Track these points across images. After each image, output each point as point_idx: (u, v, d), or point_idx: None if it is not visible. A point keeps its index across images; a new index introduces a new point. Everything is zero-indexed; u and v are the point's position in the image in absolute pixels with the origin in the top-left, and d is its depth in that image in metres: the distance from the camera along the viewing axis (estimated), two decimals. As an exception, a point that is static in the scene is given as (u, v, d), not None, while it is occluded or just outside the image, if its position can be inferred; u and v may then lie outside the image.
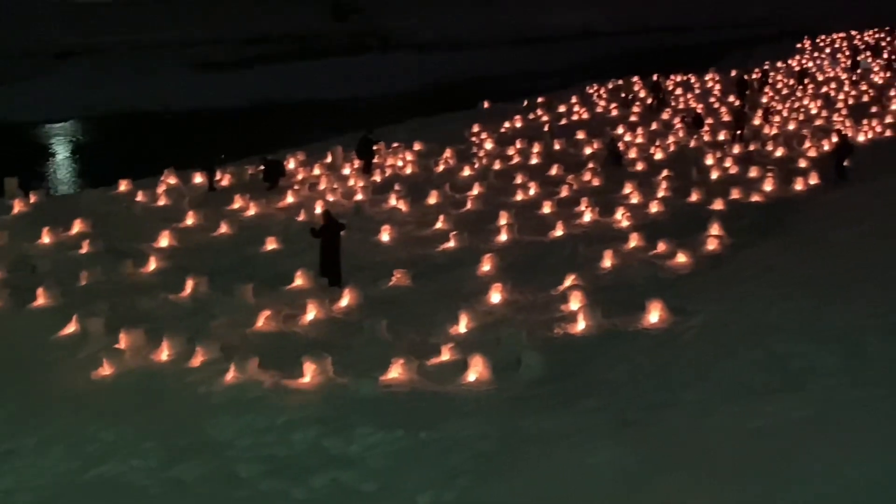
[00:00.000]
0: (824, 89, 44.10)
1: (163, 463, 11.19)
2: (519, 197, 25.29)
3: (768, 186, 25.18)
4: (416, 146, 31.80)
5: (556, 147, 31.88)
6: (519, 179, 26.82)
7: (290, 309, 16.57)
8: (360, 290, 17.33)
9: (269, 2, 78.88)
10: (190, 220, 23.30)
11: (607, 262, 18.83)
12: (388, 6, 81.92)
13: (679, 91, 45.32)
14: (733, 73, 49.64)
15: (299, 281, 17.99)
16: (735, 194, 24.29)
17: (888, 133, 33.21)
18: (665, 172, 26.71)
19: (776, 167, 27.25)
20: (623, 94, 43.61)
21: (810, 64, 55.27)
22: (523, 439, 11.02)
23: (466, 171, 28.33)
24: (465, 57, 64.97)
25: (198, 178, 27.65)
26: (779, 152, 30.06)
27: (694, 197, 24.32)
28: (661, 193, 24.75)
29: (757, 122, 35.44)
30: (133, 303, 17.00)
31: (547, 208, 23.71)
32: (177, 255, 20.62)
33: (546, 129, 35.70)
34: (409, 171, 28.96)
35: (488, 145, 32.56)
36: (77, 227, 22.10)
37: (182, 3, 77.59)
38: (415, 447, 11.17)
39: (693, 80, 48.99)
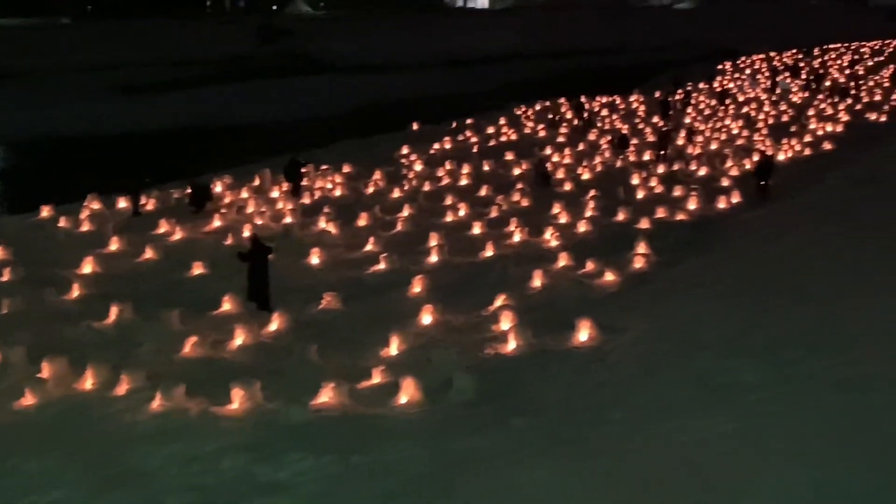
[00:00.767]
0: (745, 109, 45.09)
1: (88, 494, 10.90)
2: (449, 218, 25.34)
3: (692, 205, 25.63)
4: (346, 168, 31.70)
5: (486, 168, 32.06)
6: (449, 200, 26.89)
7: (218, 334, 16.35)
8: (289, 313, 17.16)
9: (195, 24, 78.22)
10: (114, 246, 22.84)
11: (537, 281, 18.95)
12: (316, 29, 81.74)
13: (605, 112, 45.93)
14: (657, 94, 50.52)
15: (227, 306, 17.76)
16: (660, 213, 24.69)
17: (807, 151, 34.07)
18: (592, 192, 27.01)
19: (700, 186, 27.76)
20: (550, 116, 44.05)
21: (731, 85, 56.50)
22: (456, 461, 11.00)
23: (396, 193, 28.31)
24: (394, 79, 65.04)
25: (122, 203, 27.16)
26: (702, 171, 30.64)
27: (621, 216, 24.63)
28: (588, 213, 25.02)
29: (680, 142, 36.06)
30: (56, 331, 16.60)
31: (477, 229, 23.80)
32: (101, 281, 20.20)
33: (475, 150, 35.91)
34: (338, 193, 28.84)
35: (418, 167, 32.60)
36: (-3, 254, 21.55)
37: (106, 25, 76.56)
38: (346, 472, 11.07)
39: (618, 101, 49.71)
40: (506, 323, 16.12)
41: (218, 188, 28.74)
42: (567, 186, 28.87)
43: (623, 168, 31.77)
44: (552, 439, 11.03)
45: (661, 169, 31.13)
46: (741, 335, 12.67)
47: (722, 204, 25.88)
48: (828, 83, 55.08)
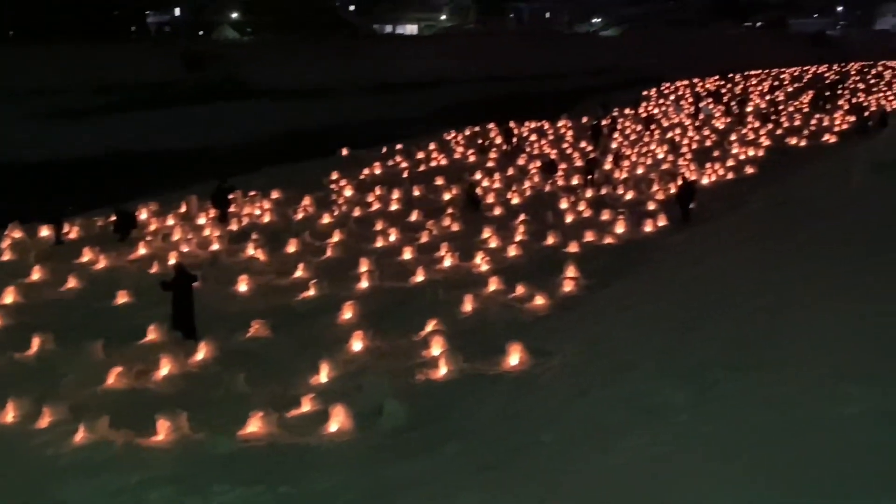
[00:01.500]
0: (670, 134, 45.90)
1: (8, 532, 10.59)
2: (379, 243, 25.29)
3: (620, 229, 25.97)
4: (274, 194, 31.48)
5: (416, 193, 32.10)
6: (379, 226, 26.85)
7: (143, 364, 16.06)
8: (216, 342, 16.91)
9: (121, 49, 77.20)
10: (36, 276, 22.34)
11: (467, 306, 18.99)
12: (243, 54, 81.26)
13: (534, 137, 46.37)
14: (584, 119, 51.21)
15: (152, 335, 17.45)
16: (589, 237, 24.97)
17: (730, 175, 34.79)
18: (522, 217, 27.21)
19: (627, 210, 28.15)
20: (480, 141, 44.31)
21: (656, 110, 57.51)
22: (387, 488, 10.92)
23: (326, 219, 28.19)
24: (324, 104, 64.92)
25: (44, 232, 26.58)
26: (629, 196, 31.08)
27: (550, 240, 24.84)
28: (518, 237, 25.19)
29: (608, 166, 36.54)
30: (-26, 363, 16.15)
31: (407, 254, 23.79)
32: (22, 311, 19.73)
33: (405, 175, 35.96)
34: (266, 219, 28.60)
35: (348, 192, 32.51)
36: (-88, 285, 20.90)
37: (29, 50, 75.10)
38: (275, 503, 10.90)
39: (547, 126, 50.24)
40: (436, 348, 16.11)
41: (143, 215, 28.33)
42: (497, 211, 29.05)
43: (552, 193, 32.07)
44: (484, 464, 11.00)
45: (589, 193, 31.50)
46: (669, 356, 12.82)
47: (648, 227, 26.27)
48: (749, 108, 56.40)
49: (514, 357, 15.37)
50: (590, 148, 41.73)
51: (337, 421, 13.13)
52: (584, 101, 63.92)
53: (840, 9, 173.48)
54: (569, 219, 27.80)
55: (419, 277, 21.62)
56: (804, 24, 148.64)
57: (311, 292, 20.66)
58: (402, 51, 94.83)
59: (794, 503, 7.79)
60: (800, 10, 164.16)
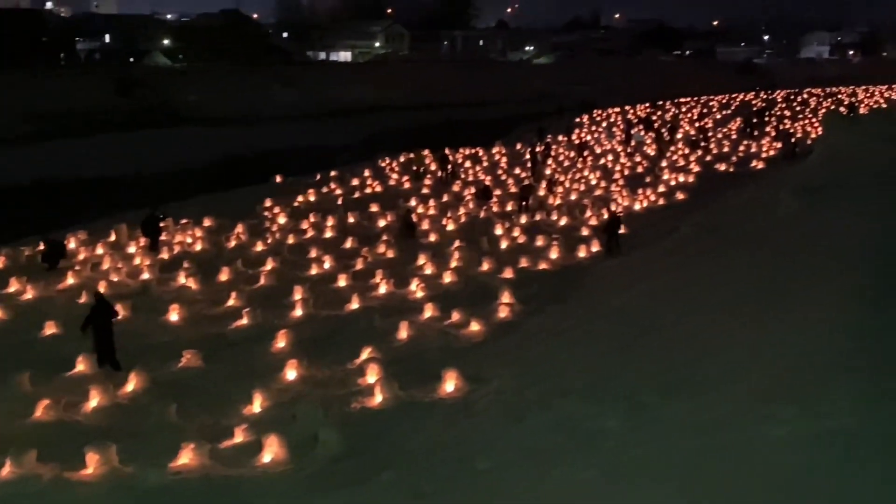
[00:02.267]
0: (602, 161, 46.52)
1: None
2: (314, 271, 25.13)
3: (554, 254, 26.17)
4: (206, 222, 31.11)
5: (351, 220, 31.99)
6: (313, 253, 26.69)
7: (72, 396, 15.74)
8: (147, 373, 16.63)
9: (50, 77, 75.87)
10: (-40, 307, 21.77)
11: (403, 333, 18.95)
12: (175, 81, 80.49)
13: (468, 164, 46.60)
14: (518, 146, 51.66)
15: (81, 366, 17.11)
16: (524, 263, 25.13)
17: (661, 201, 35.31)
18: (457, 243, 27.28)
19: (561, 236, 28.39)
20: (415, 167, 44.40)
21: (589, 137, 58.26)
22: (321, 519, 10.79)
23: (259, 247, 27.94)
24: (257, 131, 64.55)
25: (-31, 261, 25.94)
26: (563, 221, 31.36)
27: (485, 266, 24.93)
28: (453, 264, 25.23)
29: (542, 192, 36.86)
30: None
31: (342, 281, 23.67)
32: (-55, 344, 19.18)
33: (339, 202, 35.86)
34: (198, 247, 28.25)
35: (281, 219, 32.29)
36: None
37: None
38: (208, 535, 10.71)
39: (481, 153, 50.55)
40: (372, 376, 16.04)
41: (72, 244, 27.80)
42: (432, 237, 29.07)
43: (487, 219, 32.22)
44: (420, 493, 10.95)
45: (523, 219, 31.72)
46: (602, 381, 12.93)
47: (582, 253, 26.52)
48: (679, 135, 57.42)
49: (450, 384, 15.37)
50: (524, 174, 42.07)
51: (271, 451, 12.97)
52: (518, 128, 64.49)
53: (766, 38, 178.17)
54: (504, 245, 27.95)
55: (354, 305, 21.52)
56: (732, 53, 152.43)
57: (244, 321, 20.44)
58: (335, 78, 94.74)
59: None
60: (727, 40, 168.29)
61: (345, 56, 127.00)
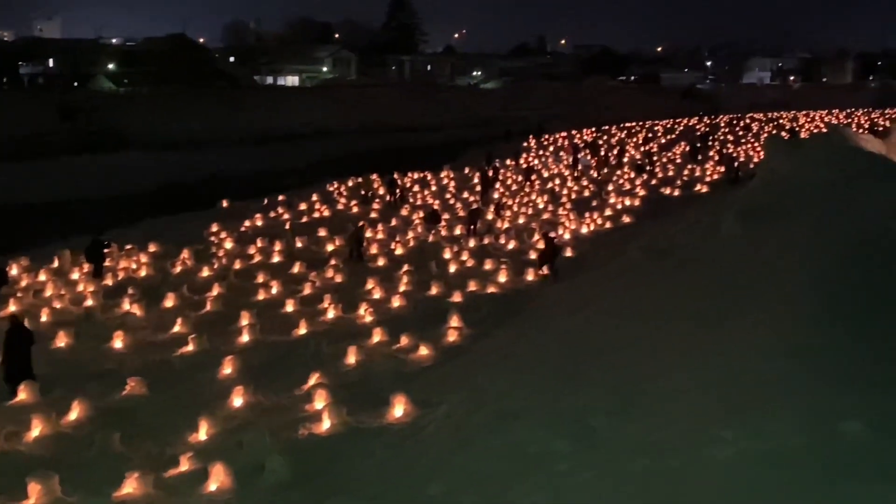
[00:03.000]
0: (549, 185, 46.88)
1: None
2: (261, 296, 24.94)
3: (502, 278, 26.26)
4: (152, 247, 30.77)
5: (298, 245, 31.83)
6: (260, 278, 26.52)
7: (13, 426, 15.37)
8: (90, 401, 16.34)
9: (-11, 100, 74.76)
10: None
11: (351, 358, 18.87)
12: (120, 105, 79.70)
13: (417, 188, 46.69)
14: (466, 170, 51.88)
15: (22, 395, 16.75)
16: (472, 286, 25.17)
17: (608, 225, 35.65)
18: (406, 267, 27.26)
19: (509, 259, 28.50)
20: (363, 192, 44.39)
21: (536, 161, 58.70)
22: (268, 548, 10.64)
23: (205, 272, 27.67)
24: (203, 156, 64.13)
25: None
26: (511, 245, 31.50)
27: (434, 290, 24.94)
28: (402, 288, 25.20)
29: (490, 216, 37.02)
30: None
31: (290, 307, 23.51)
32: None
33: (287, 226, 35.68)
34: (143, 273, 27.91)
35: (228, 245, 32.03)
36: None
37: None
38: (152, 567, 10.52)
39: (430, 177, 50.68)
40: (320, 402, 15.92)
41: (14, 271, 27.30)
42: (380, 262, 29.02)
43: (435, 243, 32.26)
44: (367, 519, 10.86)
45: (472, 243, 31.81)
46: (550, 404, 12.94)
47: (530, 276, 26.64)
48: (625, 159, 58.10)
49: (399, 409, 15.29)
50: (472, 198, 42.25)
51: (217, 479, 12.79)
52: (467, 152, 64.81)
53: (709, 63, 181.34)
54: (452, 268, 27.99)
55: (302, 330, 21.38)
56: (676, 78, 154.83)
57: (190, 347, 20.20)
58: (283, 102, 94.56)
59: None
60: (671, 65, 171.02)
61: (292, 81, 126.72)
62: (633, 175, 50.15)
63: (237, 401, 16.43)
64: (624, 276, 22.98)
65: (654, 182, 48.02)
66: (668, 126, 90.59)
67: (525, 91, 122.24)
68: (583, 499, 9.21)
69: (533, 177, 49.32)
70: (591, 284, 23.61)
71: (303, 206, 40.80)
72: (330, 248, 31.43)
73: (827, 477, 8.20)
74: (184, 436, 14.90)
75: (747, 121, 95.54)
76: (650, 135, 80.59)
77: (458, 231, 34.35)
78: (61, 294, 25.02)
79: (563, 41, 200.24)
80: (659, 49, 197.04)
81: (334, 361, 18.75)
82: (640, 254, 25.20)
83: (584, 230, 34.39)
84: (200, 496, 12.55)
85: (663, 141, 74.53)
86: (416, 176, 50.73)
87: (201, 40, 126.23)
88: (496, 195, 43.31)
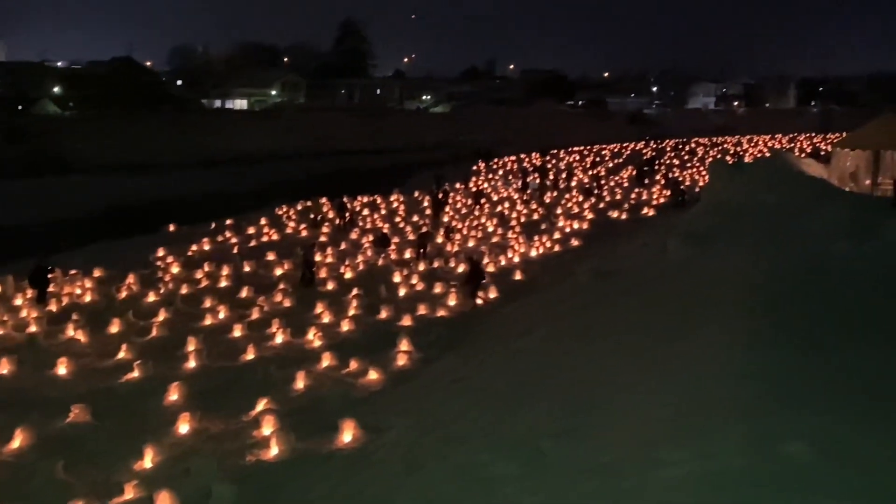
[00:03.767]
0: (499, 208, 47.11)
1: None
2: (208, 321, 24.67)
3: (452, 301, 26.28)
4: (97, 272, 30.27)
5: (247, 269, 31.56)
6: (208, 303, 26.23)
7: (-49, 456, 15.01)
8: (33, 429, 16.01)
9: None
10: None
11: (300, 383, 18.73)
12: (65, 128, 78.70)
13: (366, 212, 46.62)
14: (416, 193, 51.93)
15: (-39, 425, 16.36)
16: (422, 310, 25.15)
17: (556, 248, 35.90)
18: (355, 291, 27.16)
19: (458, 283, 28.54)
20: (312, 215, 44.18)
21: (486, 185, 58.97)
22: (215, 577, 10.49)
23: (151, 297, 27.30)
24: (149, 179, 63.48)
25: None
26: (461, 269, 31.53)
27: (384, 314, 24.87)
28: (351, 312, 25.10)
29: (440, 240, 37.06)
30: None
31: (237, 331, 23.29)
32: None
33: (235, 251, 35.39)
34: (88, 298, 27.46)
35: (175, 269, 31.66)
36: None
37: None
38: None
39: (379, 201, 50.64)
40: (268, 427, 15.78)
41: (-47, 297, 26.74)
42: (330, 286, 28.89)
43: (385, 266, 32.20)
44: (316, 546, 10.75)
45: (421, 267, 31.81)
46: (498, 427, 12.97)
47: (479, 300, 26.68)
48: (574, 183, 58.63)
49: (348, 434, 15.21)
50: (422, 222, 42.29)
51: (162, 508, 12.59)
52: (416, 175, 64.91)
53: (655, 89, 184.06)
54: (402, 292, 27.95)
55: (250, 355, 21.18)
56: (622, 103, 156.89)
57: (136, 374, 19.89)
58: (231, 126, 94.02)
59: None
60: (618, 90, 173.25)
61: (240, 104, 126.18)
62: (581, 198, 50.60)
63: (183, 427, 16.22)
64: (573, 299, 23.18)
65: (601, 205, 48.51)
66: (616, 150, 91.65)
67: (473, 115, 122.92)
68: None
69: (482, 200, 49.51)
70: (540, 307, 23.76)
71: (251, 230, 40.49)
72: (278, 272, 31.21)
73: (770, 498, 8.29)
74: (129, 463, 14.66)
75: (692, 145, 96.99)
76: (598, 159, 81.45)
77: (407, 255, 34.32)
78: (4, 320, 24.50)
79: (511, 66, 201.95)
80: (606, 74, 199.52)
81: (283, 386, 18.60)
82: (589, 276, 25.45)
83: (534, 253, 34.59)
84: (145, 525, 12.36)
85: (611, 165, 75.34)
86: (365, 199, 50.65)
87: (148, 63, 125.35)
88: (446, 218, 43.39)
